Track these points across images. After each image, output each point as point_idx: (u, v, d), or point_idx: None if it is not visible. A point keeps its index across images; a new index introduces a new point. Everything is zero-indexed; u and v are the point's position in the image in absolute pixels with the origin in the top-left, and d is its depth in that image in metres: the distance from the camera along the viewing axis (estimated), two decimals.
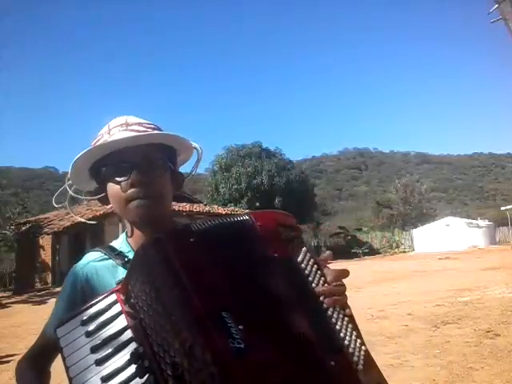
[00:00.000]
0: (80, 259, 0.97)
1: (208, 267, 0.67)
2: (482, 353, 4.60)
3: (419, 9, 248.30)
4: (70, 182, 0.95)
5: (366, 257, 27.41)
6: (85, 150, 0.87)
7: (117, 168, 0.88)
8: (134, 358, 0.67)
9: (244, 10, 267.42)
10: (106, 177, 0.90)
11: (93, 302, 0.76)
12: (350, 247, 29.50)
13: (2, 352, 6.63)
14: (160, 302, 0.65)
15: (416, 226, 32.48)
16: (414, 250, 28.95)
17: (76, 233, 18.66)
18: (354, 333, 0.73)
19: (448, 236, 26.27)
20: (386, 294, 9.21)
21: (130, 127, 0.91)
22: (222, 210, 21.71)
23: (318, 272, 0.77)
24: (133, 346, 0.69)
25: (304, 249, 0.78)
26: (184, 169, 1.06)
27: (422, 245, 27.93)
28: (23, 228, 19.46)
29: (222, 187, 29.24)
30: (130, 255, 0.91)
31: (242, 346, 0.58)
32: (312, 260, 0.77)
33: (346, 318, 0.74)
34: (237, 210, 23.80)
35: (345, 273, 0.80)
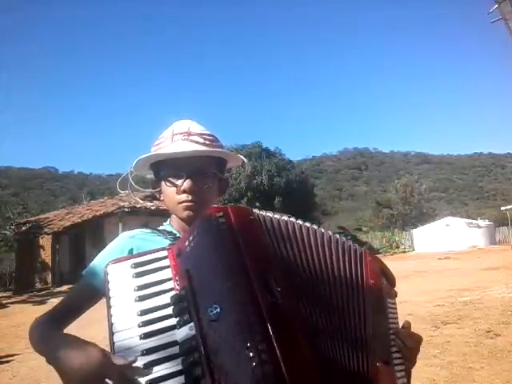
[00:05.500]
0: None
1: (262, 239, 0.76)
2: (481, 353, 4.60)
3: (420, 8, 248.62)
4: (131, 169, 1.09)
5: None
6: (148, 154, 1.02)
7: (174, 173, 1.02)
8: (174, 299, 0.74)
9: (244, 10, 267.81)
10: (163, 178, 1.04)
11: (145, 252, 0.84)
12: None
13: (1, 352, 6.62)
14: (213, 255, 0.73)
15: (416, 226, 32.48)
16: (414, 249, 28.95)
17: (76, 233, 18.66)
18: (404, 374, 0.87)
19: (448, 236, 26.28)
20: None
21: (191, 137, 1.02)
22: None
23: (396, 319, 0.93)
24: (173, 293, 0.76)
25: (394, 301, 0.95)
26: None
27: (421, 245, 27.93)
28: (23, 228, 19.47)
29: None
30: (178, 234, 1.05)
31: (278, 301, 0.67)
32: (396, 311, 0.94)
33: (403, 365, 0.88)
34: None
35: (420, 338, 0.93)
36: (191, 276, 0.74)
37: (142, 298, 0.75)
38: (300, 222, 0.85)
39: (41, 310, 1.02)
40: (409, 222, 39.09)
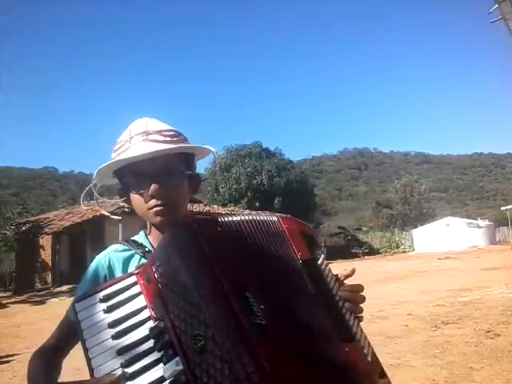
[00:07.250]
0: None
1: (234, 253, 0.71)
2: (481, 353, 4.60)
3: (420, 9, 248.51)
4: (95, 181, 1.02)
5: (365, 257, 27.40)
6: (107, 163, 0.96)
7: (137, 180, 0.95)
8: (154, 332, 0.69)
9: (245, 10, 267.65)
10: (128, 186, 0.98)
11: (112, 282, 0.79)
12: (350, 247, 29.49)
13: (1, 352, 6.62)
14: (186, 278, 0.67)
15: (416, 226, 32.48)
16: (414, 249, 28.95)
17: (76, 233, 18.64)
18: (364, 333, 0.84)
19: (448, 236, 26.28)
20: (386, 294, 9.19)
21: (150, 136, 0.95)
22: (221, 211, 21.70)
23: (334, 277, 0.87)
24: (151, 323, 0.71)
25: (323, 256, 0.89)
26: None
27: (422, 245, 27.93)
28: (23, 228, 19.45)
29: (222, 187, 29.24)
30: (150, 248, 1.00)
31: (263, 322, 0.63)
32: (329, 266, 0.88)
33: (357, 321, 0.85)
34: (237, 210, 23.79)
35: (360, 287, 0.91)
36: (167, 304, 0.69)
37: (118, 335, 0.70)
38: (255, 217, 0.82)
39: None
40: (409, 222, 39.08)
